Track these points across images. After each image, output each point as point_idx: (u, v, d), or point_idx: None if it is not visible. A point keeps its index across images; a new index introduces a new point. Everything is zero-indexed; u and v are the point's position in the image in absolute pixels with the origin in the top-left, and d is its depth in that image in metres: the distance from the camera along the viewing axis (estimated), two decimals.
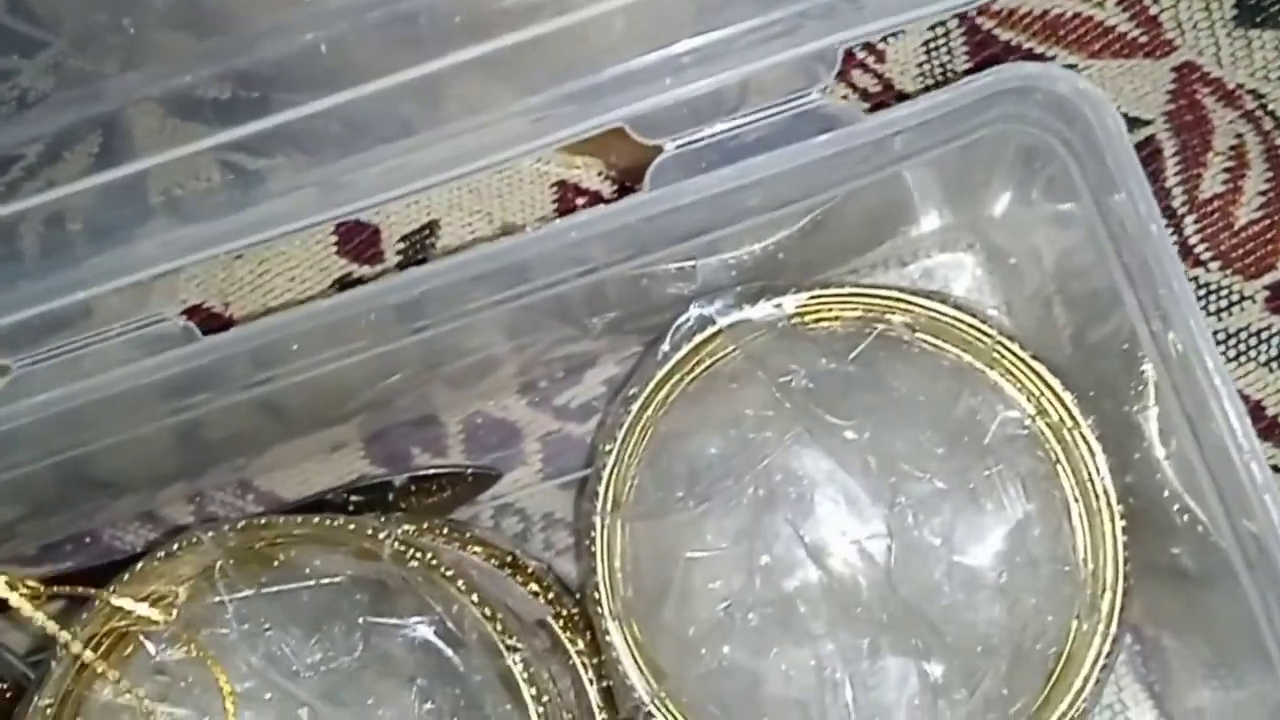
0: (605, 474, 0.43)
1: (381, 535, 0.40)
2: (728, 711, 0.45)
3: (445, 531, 0.45)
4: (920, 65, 0.51)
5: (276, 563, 0.43)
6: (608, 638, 0.42)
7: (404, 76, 0.38)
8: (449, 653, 0.41)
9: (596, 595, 0.42)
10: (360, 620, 0.42)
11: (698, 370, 0.45)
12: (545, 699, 0.39)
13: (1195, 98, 0.50)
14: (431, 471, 0.49)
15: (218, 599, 0.42)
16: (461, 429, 0.51)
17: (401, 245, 0.52)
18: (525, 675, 0.39)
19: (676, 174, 0.36)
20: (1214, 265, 0.49)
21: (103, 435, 0.41)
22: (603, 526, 0.43)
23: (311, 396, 0.46)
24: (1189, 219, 0.49)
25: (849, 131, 0.34)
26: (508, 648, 0.39)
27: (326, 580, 0.42)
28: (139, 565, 0.42)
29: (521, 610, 0.43)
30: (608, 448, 0.43)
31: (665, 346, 0.44)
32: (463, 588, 0.40)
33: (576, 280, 0.40)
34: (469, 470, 0.49)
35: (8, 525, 0.49)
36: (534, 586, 0.44)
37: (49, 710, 0.40)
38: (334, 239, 0.52)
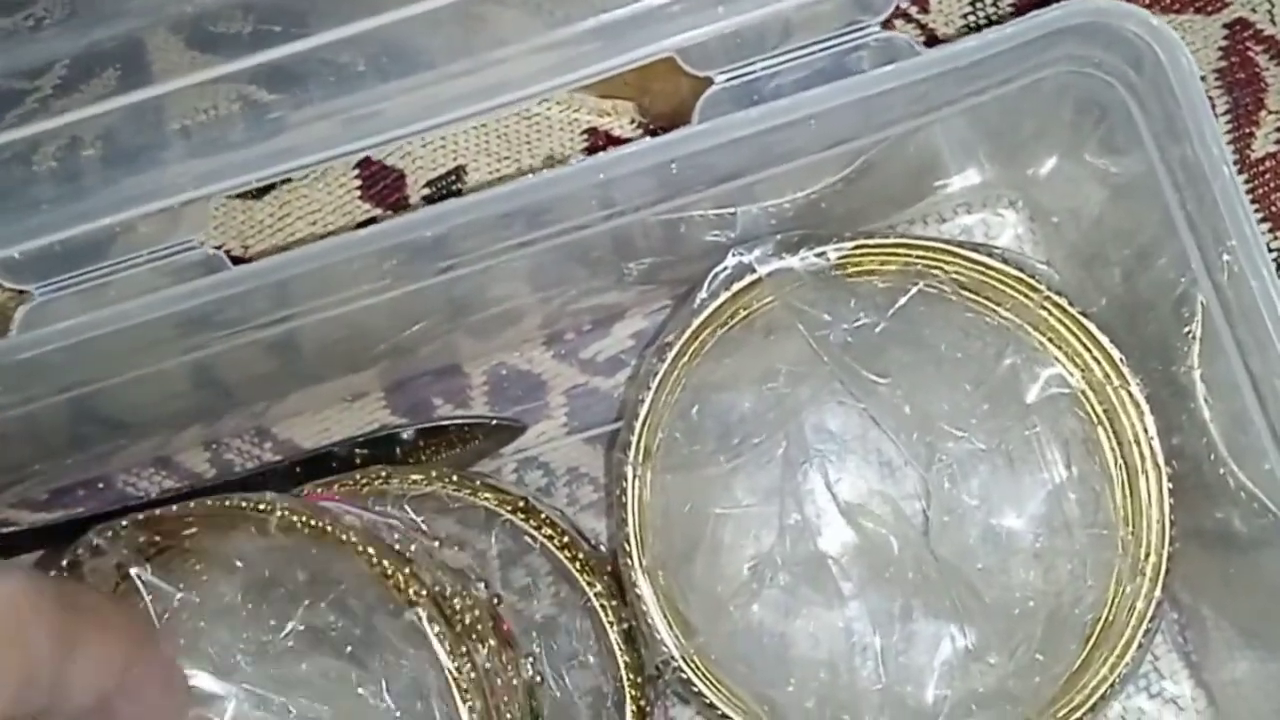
0: (638, 424, 0.42)
1: (263, 507, 0.37)
2: (755, 671, 0.43)
3: (454, 480, 0.44)
4: (965, 17, 0.50)
5: (193, 555, 0.39)
6: (637, 590, 0.41)
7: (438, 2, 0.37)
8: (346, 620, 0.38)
9: (626, 547, 0.41)
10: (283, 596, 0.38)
11: (735, 320, 0.43)
12: (461, 655, 0.36)
13: (1248, 55, 0.48)
14: (444, 423, 0.48)
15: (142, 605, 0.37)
16: (485, 380, 0.50)
17: (426, 191, 0.51)
18: (434, 631, 0.36)
19: (726, 108, 0.34)
20: (1264, 226, 0.48)
21: (122, 369, 0.39)
22: (634, 477, 0.42)
23: (333, 339, 0.45)
24: (1240, 179, 0.48)
25: (911, 64, 0.33)
26: (409, 602, 0.36)
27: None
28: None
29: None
30: (641, 396, 0.42)
31: (703, 294, 0.42)
32: (359, 548, 0.37)
33: (615, 220, 0.39)
34: (493, 420, 0.48)
35: (18, 467, 0.48)
36: (548, 531, 0.43)
37: None
38: (358, 182, 0.51)
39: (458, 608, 0.37)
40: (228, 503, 0.36)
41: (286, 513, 0.36)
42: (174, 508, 0.37)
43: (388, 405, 0.50)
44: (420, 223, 0.38)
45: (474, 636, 0.37)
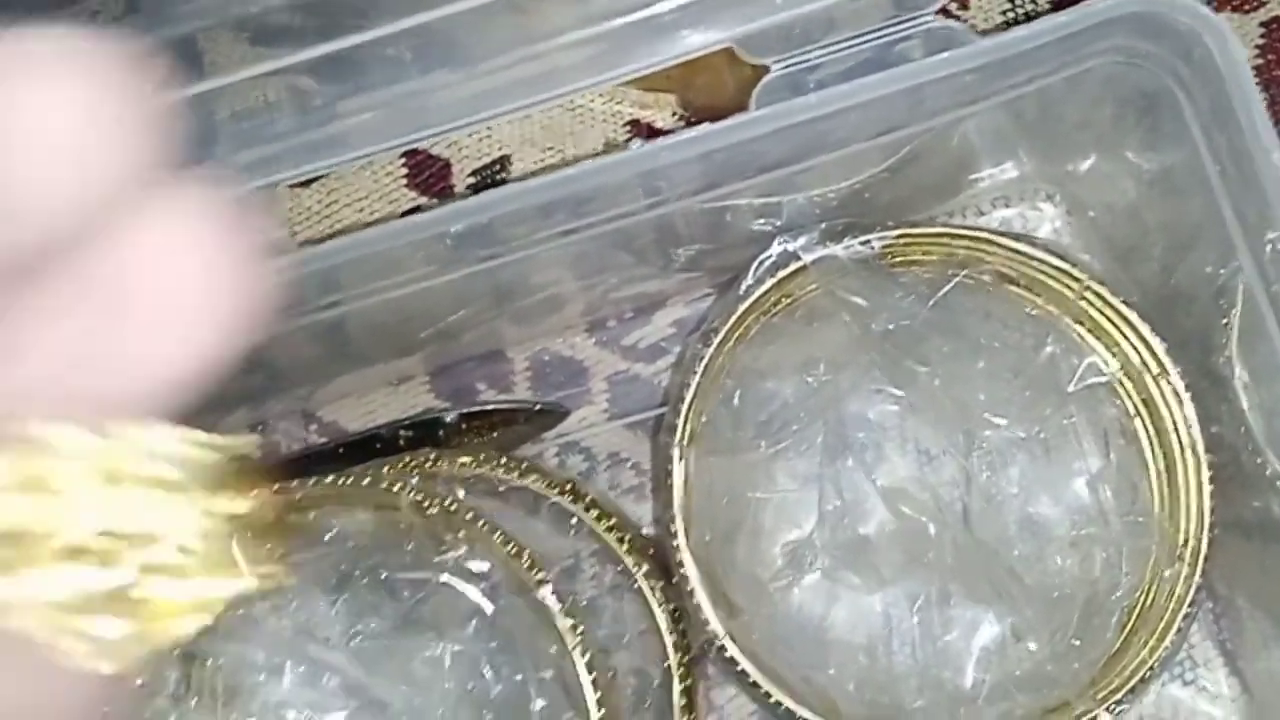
0: (684, 407, 0.43)
1: (396, 488, 0.39)
2: (795, 654, 0.44)
3: (502, 462, 0.44)
4: (1004, 13, 0.50)
5: (296, 529, 0.41)
6: (683, 570, 0.42)
7: None
8: (476, 598, 0.40)
9: (672, 528, 0.42)
10: (384, 578, 0.41)
11: (778, 308, 0.44)
12: (581, 629, 0.38)
13: None
14: (488, 407, 0.49)
15: None
16: (528, 366, 0.51)
17: (472, 180, 0.52)
18: (559, 607, 0.38)
19: (783, 95, 0.35)
20: None
21: None
22: (679, 459, 0.43)
23: (379, 324, 0.46)
24: None
25: (967, 51, 0.34)
26: (538, 581, 0.38)
27: (351, 543, 0.41)
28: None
29: (551, 549, 0.42)
30: (687, 380, 0.43)
31: (749, 280, 0.43)
32: (485, 529, 0.39)
33: (662, 208, 0.40)
34: (536, 405, 0.49)
35: None
36: (595, 513, 0.44)
37: None
38: (404, 171, 0.52)
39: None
40: (361, 481, 0.37)
41: (416, 494, 0.37)
42: (308, 484, 0.38)
43: (432, 390, 0.51)
44: (469, 211, 0.38)
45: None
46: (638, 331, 0.50)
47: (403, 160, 0.52)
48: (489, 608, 0.39)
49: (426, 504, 0.38)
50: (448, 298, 0.44)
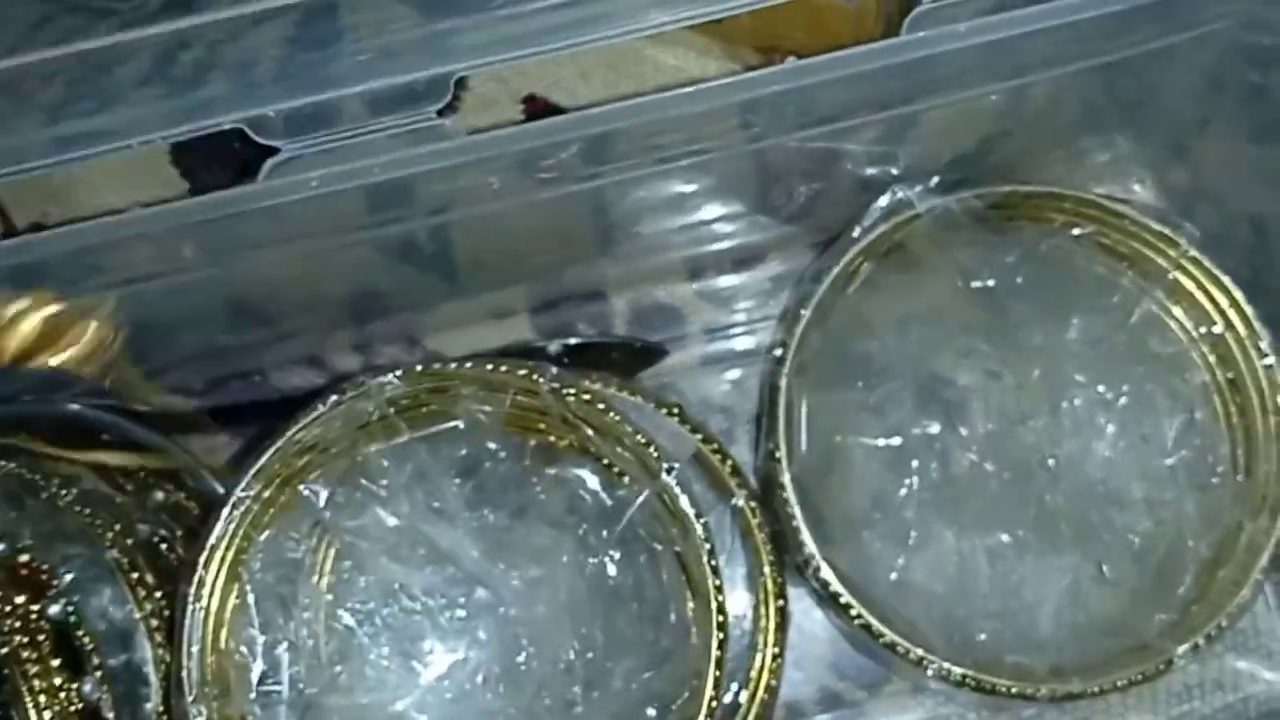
0: (793, 340, 0.45)
1: (537, 376, 0.41)
2: (878, 591, 0.46)
3: (614, 381, 0.46)
4: None
5: (437, 414, 0.43)
6: (784, 493, 0.43)
7: None
8: (596, 485, 0.42)
9: (777, 453, 0.44)
10: (511, 465, 0.42)
11: (888, 255, 0.46)
12: (703, 519, 0.40)
13: None
14: (592, 340, 0.51)
15: (376, 448, 0.43)
16: (628, 309, 0.53)
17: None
18: (686, 493, 0.40)
19: (932, 25, 0.37)
20: None
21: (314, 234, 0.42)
22: (786, 388, 0.44)
23: (484, 253, 0.47)
24: None
25: None
26: (666, 469, 0.40)
27: (483, 429, 0.43)
28: (315, 411, 0.41)
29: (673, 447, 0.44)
30: (799, 314, 0.45)
31: (865, 223, 0.45)
32: (617, 418, 0.41)
33: (792, 134, 0.42)
34: (638, 343, 0.51)
35: (177, 347, 0.50)
36: (700, 435, 0.45)
37: (217, 551, 0.40)
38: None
39: None
40: (501, 368, 0.39)
41: (556, 383, 0.39)
42: (451, 365, 0.40)
43: (533, 326, 0.53)
44: (590, 120, 0.39)
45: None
46: (736, 282, 0.52)
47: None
48: (611, 496, 0.40)
49: (565, 390, 0.40)
50: (554, 220, 0.46)
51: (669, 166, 0.43)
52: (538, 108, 0.53)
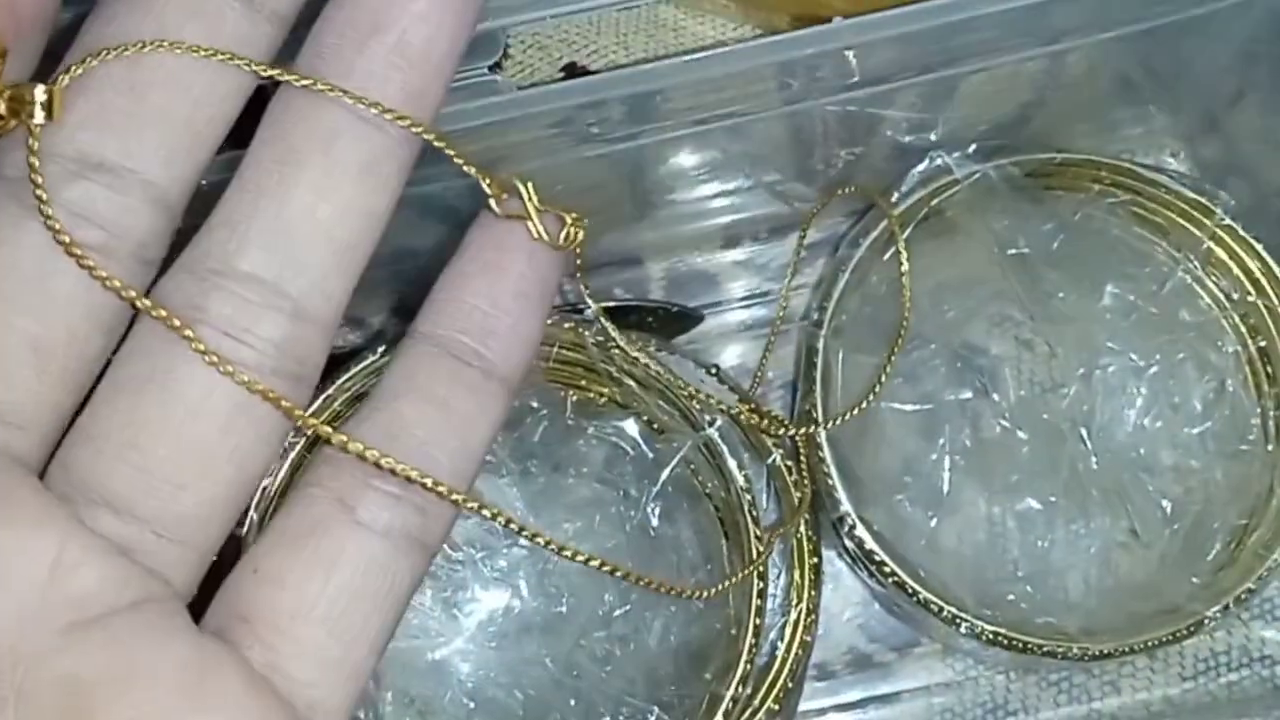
0: (831, 302, 0.45)
1: (583, 329, 0.42)
2: (911, 553, 0.46)
3: (654, 341, 0.47)
4: None
5: None
6: (820, 453, 0.44)
7: None
8: (636, 434, 0.43)
9: (814, 413, 0.44)
10: (554, 419, 0.43)
11: (925, 220, 0.47)
12: (745, 470, 0.41)
13: None
14: (628, 302, 0.51)
15: None
16: (664, 275, 0.53)
17: None
18: (728, 447, 0.41)
19: None
20: None
21: None
22: (823, 348, 0.45)
23: None
24: None
25: None
26: (709, 421, 0.41)
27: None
28: (364, 360, 0.43)
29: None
30: (837, 276, 0.45)
31: (904, 188, 0.46)
32: (659, 372, 0.42)
33: (831, 98, 0.42)
34: (675, 307, 0.51)
35: None
36: (738, 395, 0.46)
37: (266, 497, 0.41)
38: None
39: None
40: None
41: (601, 336, 0.40)
42: None
43: (568, 288, 0.53)
44: (633, 78, 0.39)
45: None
46: (772, 251, 0.53)
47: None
48: (651, 450, 0.41)
49: (610, 344, 0.40)
50: (590, 185, 0.46)
51: (709, 128, 0.44)
52: (577, 75, 0.53)
